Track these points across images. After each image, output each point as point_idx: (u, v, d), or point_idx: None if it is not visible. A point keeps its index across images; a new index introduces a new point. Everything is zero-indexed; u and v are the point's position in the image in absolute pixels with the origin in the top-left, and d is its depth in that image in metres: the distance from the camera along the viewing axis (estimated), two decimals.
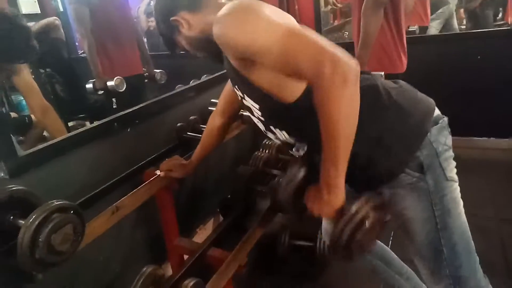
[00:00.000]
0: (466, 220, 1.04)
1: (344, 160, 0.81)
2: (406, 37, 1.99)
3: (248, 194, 1.71)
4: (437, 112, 1.00)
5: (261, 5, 0.84)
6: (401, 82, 1.05)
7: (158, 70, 2.76)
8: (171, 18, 1.03)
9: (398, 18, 1.89)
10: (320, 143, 0.83)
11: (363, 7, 1.72)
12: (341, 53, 0.76)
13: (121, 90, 2.32)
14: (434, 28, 4.05)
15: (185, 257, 1.57)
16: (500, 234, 1.85)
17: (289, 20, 0.85)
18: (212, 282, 1.23)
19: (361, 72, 0.96)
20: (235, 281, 1.29)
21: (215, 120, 1.40)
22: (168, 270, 1.59)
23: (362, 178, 1.00)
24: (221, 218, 2.01)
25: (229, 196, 1.90)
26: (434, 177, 0.97)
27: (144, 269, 1.06)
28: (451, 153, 1.00)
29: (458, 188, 1.02)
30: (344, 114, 0.77)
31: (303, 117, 0.92)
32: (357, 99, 0.77)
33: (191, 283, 1.04)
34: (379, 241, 1.40)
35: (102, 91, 2.39)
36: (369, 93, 0.94)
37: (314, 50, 0.76)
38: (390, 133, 0.94)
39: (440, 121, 0.99)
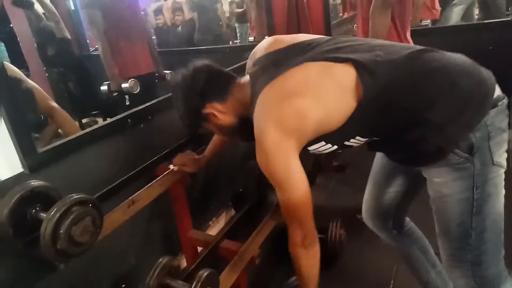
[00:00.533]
0: (502, 209, 1.03)
1: None
2: (418, 29, 1.99)
3: (260, 187, 1.74)
4: (497, 92, 0.97)
5: (284, 151, 0.94)
6: (463, 59, 1.00)
7: (168, 71, 2.79)
8: (203, 111, 1.08)
9: (404, 16, 1.90)
10: (394, 134, 1.01)
11: (371, 8, 1.72)
12: (314, 232, 1.03)
13: (135, 92, 2.36)
14: (456, 14, 3.95)
15: (199, 249, 1.61)
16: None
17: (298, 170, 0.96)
18: (226, 272, 1.26)
19: (429, 50, 0.97)
20: (248, 271, 1.32)
21: None
22: (183, 262, 1.63)
23: (413, 154, 1.04)
24: (233, 211, 2.04)
25: (241, 189, 1.93)
26: (481, 159, 0.96)
27: (160, 260, 1.09)
28: (504, 137, 0.98)
29: (503, 175, 1.01)
30: (307, 266, 1.06)
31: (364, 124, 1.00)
32: (316, 256, 1.06)
33: (206, 274, 1.07)
34: (419, 229, 1.40)
35: (117, 93, 2.43)
36: (435, 76, 0.95)
37: (300, 222, 1.00)
38: (449, 115, 0.94)
39: (500, 103, 0.96)
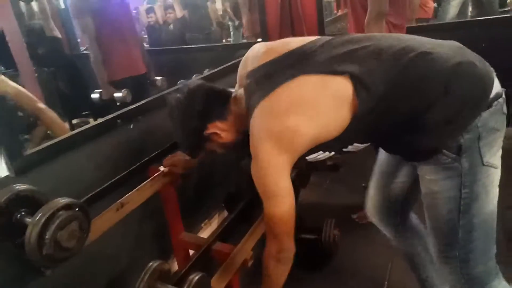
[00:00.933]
0: (495, 209, 1.02)
1: None
2: (413, 27, 1.99)
3: (253, 189, 1.72)
4: (496, 89, 0.95)
5: (274, 165, 0.96)
6: (460, 55, 0.96)
7: (159, 77, 2.77)
8: (205, 132, 1.09)
9: (396, 19, 1.91)
10: (391, 137, 1.03)
11: (366, 20, 1.72)
12: (290, 249, 1.04)
13: (128, 102, 2.32)
14: (454, 7, 3.98)
15: (191, 252, 1.59)
16: (503, 220, 1.85)
17: (285, 184, 0.98)
18: (218, 276, 1.24)
19: (426, 53, 0.94)
20: (241, 274, 1.30)
21: None
22: (174, 265, 1.61)
23: (405, 152, 1.08)
24: (226, 213, 2.02)
25: (233, 190, 1.91)
26: (470, 160, 0.95)
27: (150, 264, 1.07)
28: (498, 136, 0.97)
29: (496, 175, 1.00)
30: (275, 278, 1.09)
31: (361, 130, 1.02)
32: (285, 272, 1.08)
33: (197, 278, 1.05)
34: (423, 226, 1.38)
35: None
36: (431, 81, 0.93)
37: (277, 236, 1.02)
38: (440, 119, 0.93)
39: (495, 104, 0.94)
